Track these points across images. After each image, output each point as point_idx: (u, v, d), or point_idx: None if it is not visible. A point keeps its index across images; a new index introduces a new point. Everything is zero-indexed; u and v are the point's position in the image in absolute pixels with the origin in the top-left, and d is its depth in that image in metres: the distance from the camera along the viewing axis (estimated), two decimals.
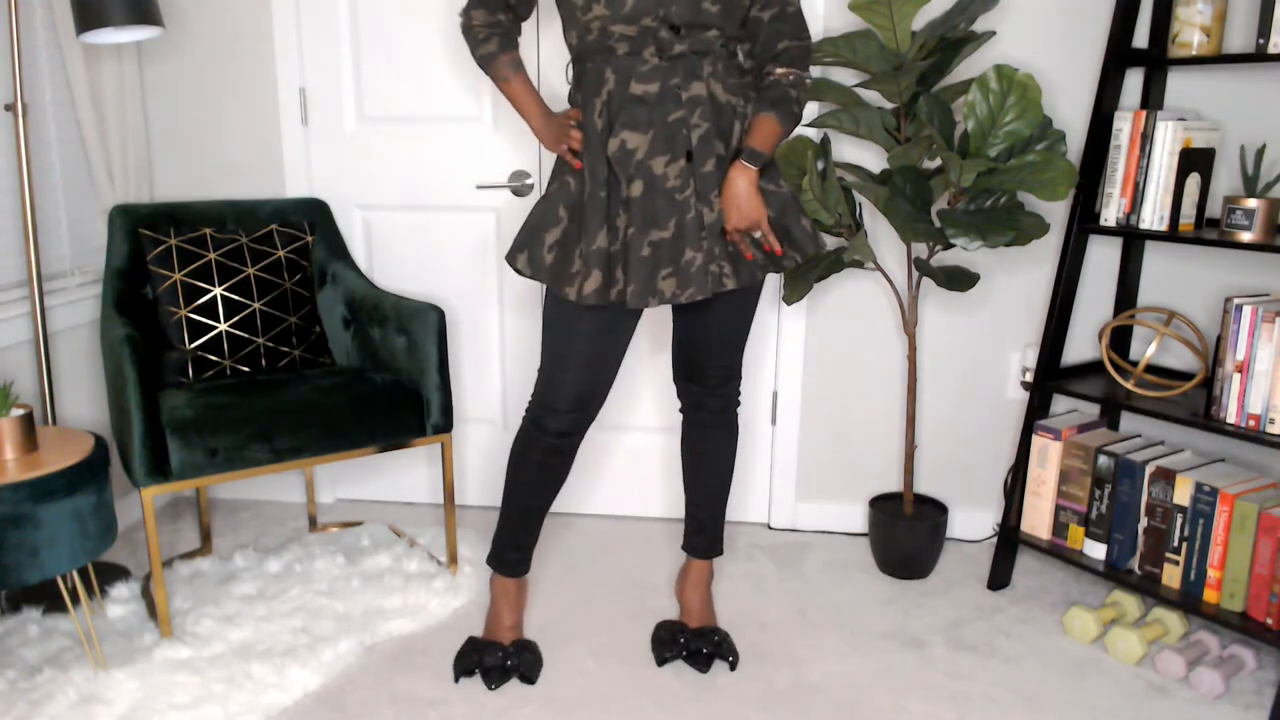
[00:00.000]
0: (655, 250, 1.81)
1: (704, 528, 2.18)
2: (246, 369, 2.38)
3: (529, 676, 2.05)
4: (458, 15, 2.60)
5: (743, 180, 1.82)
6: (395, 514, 2.90)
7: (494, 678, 2.04)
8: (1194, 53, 2.12)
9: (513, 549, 2.10)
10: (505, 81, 1.94)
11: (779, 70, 1.88)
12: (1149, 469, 2.18)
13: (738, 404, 2.14)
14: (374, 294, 2.51)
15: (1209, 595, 2.09)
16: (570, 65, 1.97)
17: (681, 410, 2.17)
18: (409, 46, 2.67)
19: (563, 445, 2.00)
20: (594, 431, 2.84)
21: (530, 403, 2.02)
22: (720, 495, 2.18)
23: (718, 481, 2.16)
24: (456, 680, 2.05)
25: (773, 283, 2.68)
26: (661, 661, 2.11)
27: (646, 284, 1.81)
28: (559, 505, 2.91)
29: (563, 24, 1.89)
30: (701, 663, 2.10)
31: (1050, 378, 2.37)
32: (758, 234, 1.85)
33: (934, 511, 2.56)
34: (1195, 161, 2.14)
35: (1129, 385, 2.23)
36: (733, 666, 2.10)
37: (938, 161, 2.35)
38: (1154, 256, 2.45)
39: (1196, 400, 2.19)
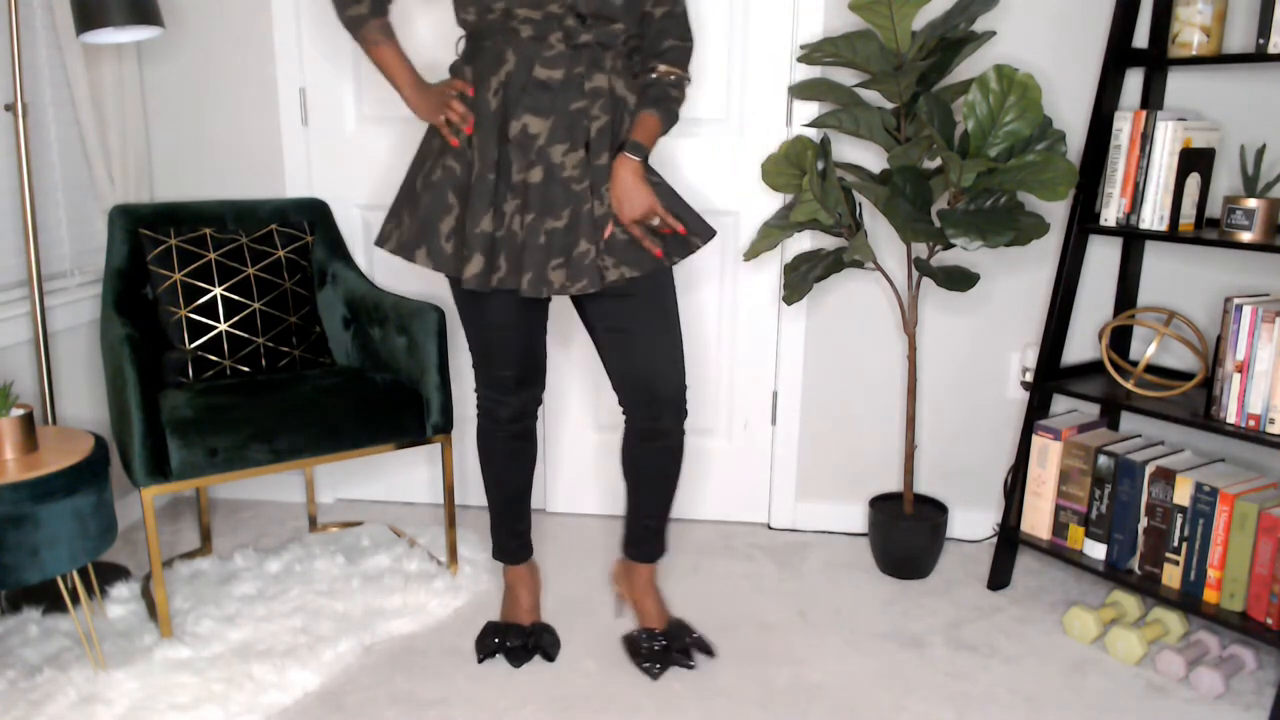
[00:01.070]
0: (549, 239, 1.82)
1: (655, 534, 2.17)
2: (246, 369, 2.38)
3: (550, 654, 2.11)
4: None
5: (628, 171, 1.85)
6: (395, 514, 2.90)
7: (517, 657, 2.09)
8: (1194, 53, 2.12)
9: (510, 537, 2.18)
10: (375, 45, 1.89)
11: (661, 68, 1.92)
12: (1149, 469, 2.18)
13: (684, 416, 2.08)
14: (374, 294, 2.51)
15: (1209, 595, 2.09)
16: (463, 39, 1.92)
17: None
18: (409, 46, 2.67)
19: (519, 429, 2.08)
20: (591, 431, 2.84)
21: (476, 397, 2.08)
22: (664, 500, 2.15)
23: (665, 489, 2.14)
24: (480, 661, 2.10)
25: (772, 282, 2.68)
26: (657, 675, 2.07)
27: (539, 272, 1.82)
28: (557, 505, 2.91)
29: (452, 2, 1.86)
30: (690, 657, 2.11)
31: (1050, 378, 2.37)
32: (655, 221, 1.88)
33: (934, 511, 2.56)
34: (1195, 161, 2.14)
35: (1129, 385, 2.23)
36: (711, 654, 2.14)
37: (938, 161, 2.35)
38: (1154, 256, 2.45)
39: (1196, 400, 2.19)
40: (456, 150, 1.87)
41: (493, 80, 1.81)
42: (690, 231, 1.95)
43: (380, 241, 1.97)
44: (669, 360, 2.00)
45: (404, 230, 1.92)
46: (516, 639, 2.12)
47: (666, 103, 1.92)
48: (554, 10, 1.77)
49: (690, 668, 2.09)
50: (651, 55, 1.93)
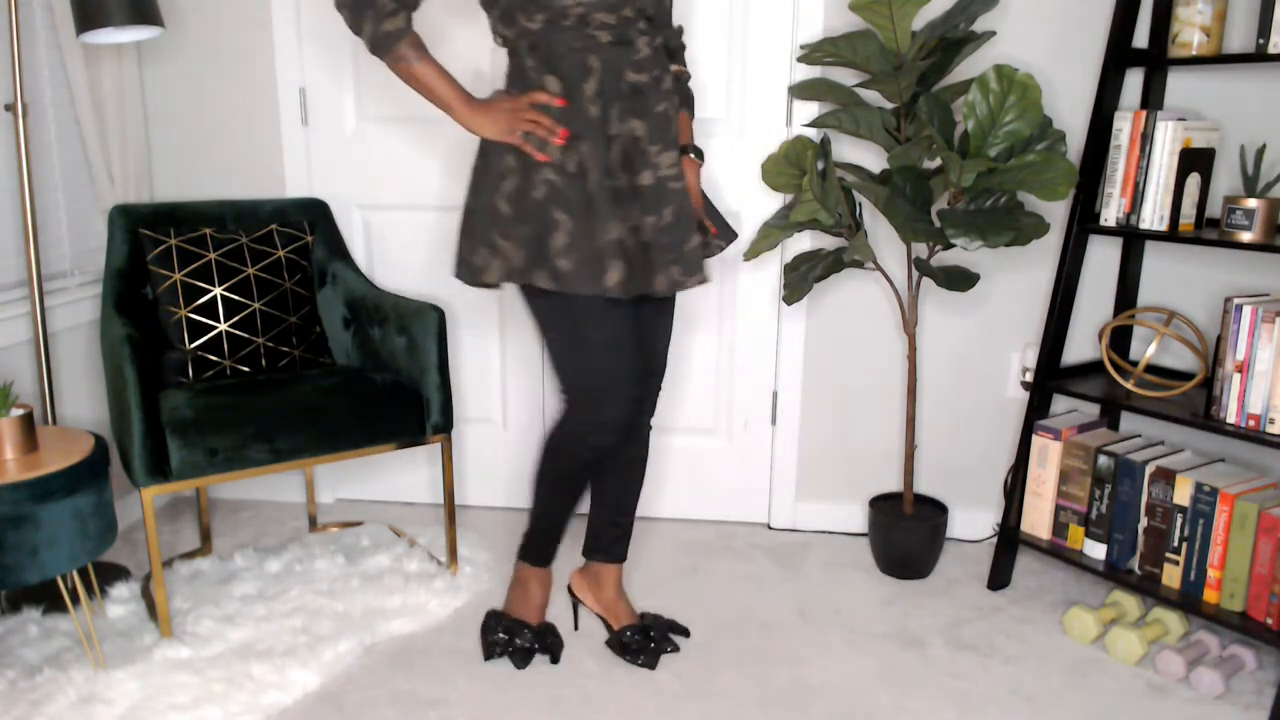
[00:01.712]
0: (657, 237, 1.82)
1: (628, 533, 2.17)
2: (246, 369, 2.38)
3: (556, 656, 2.11)
4: None
5: (695, 173, 1.94)
6: (395, 514, 2.90)
7: (523, 658, 2.09)
8: (1194, 53, 2.12)
9: (553, 544, 2.12)
10: (416, 62, 1.76)
11: (675, 68, 1.95)
12: (1149, 469, 2.18)
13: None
14: (374, 294, 2.51)
15: (1209, 595, 2.09)
16: (526, 49, 1.78)
17: None
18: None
19: (606, 454, 1.94)
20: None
21: (568, 424, 1.90)
22: (637, 498, 2.17)
23: (639, 487, 2.17)
24: (487, 659, 2.10)
25: (772, 282, 2.68)
26: (655, 666, 2.10)
27: (667, 271, 1.82)
28: None
29: (508, 6, 1.75)
30: (671, 641, 2.15)
31: (1050, 378, 2.37)
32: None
33: (934, 511, 2.56)
34: (1195, 161, 2.14)
35: (1129, 385, 2.23)
36: (686, 634, 2.21)
37: (938, 161, 2.35)
38: (1154, 256, 2.45)
39: (1196, 400, 2.19)
40: (550, 164, 1.77)
41: (585, 88, 1.75)
42: (719, 235, 2.01)
43: (472, 277, 1.83)
44: (664, 361, 2.09)
45: (507, 256, 1.79)
46: (525, 639, 2.11)
47: (691, 103, 2.01)
48: (627, 15, 1.74)
49: (676, 649, 2.14)
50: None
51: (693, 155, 1.95)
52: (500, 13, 1.77)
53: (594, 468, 1.98)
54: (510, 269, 1.80)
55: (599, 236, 1.75)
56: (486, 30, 2.60)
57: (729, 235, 2.01)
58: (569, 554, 2.53)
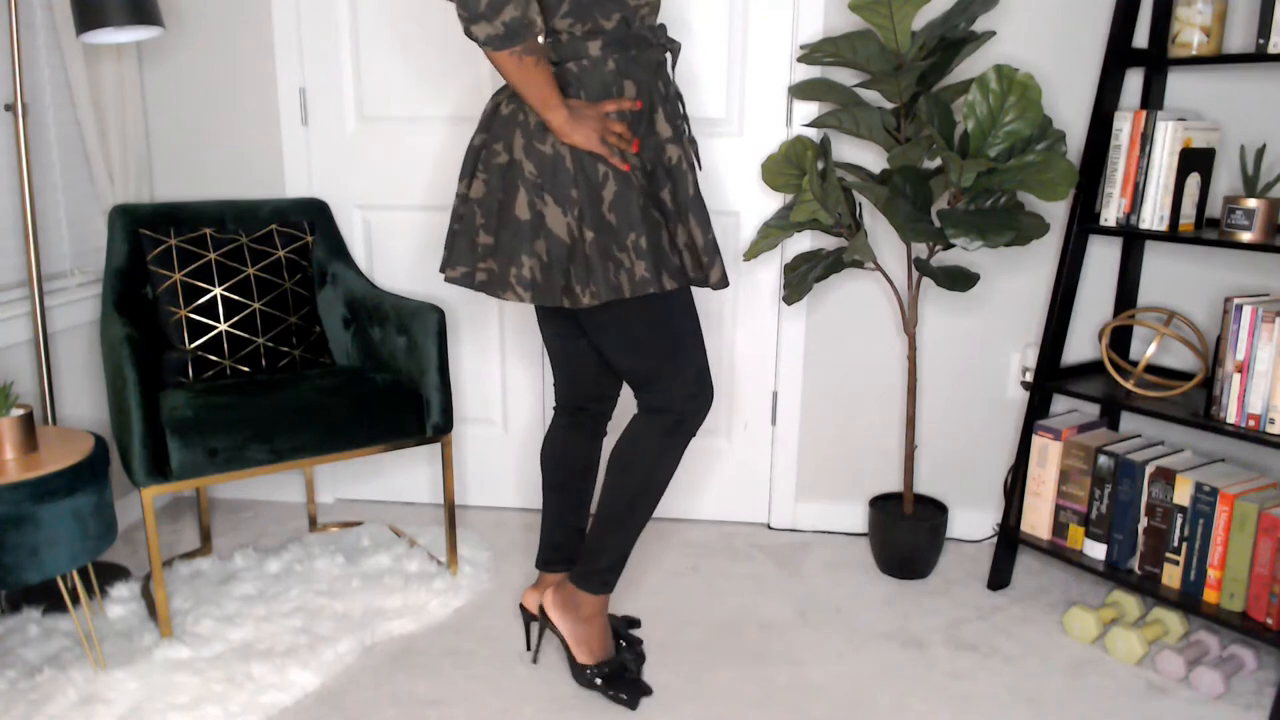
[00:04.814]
0: (702, 236, 1.84)
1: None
2: (246, 369, 2.38)
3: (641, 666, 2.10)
4: None
5: None
6: (395, 514, 2.90)
7: (640, 688, 2.00)
8: (1194, 53, 2.12)
9: (623, 564, 1.99)
10: (532, 58, 1.64)
11: None
12: (1149, 469, 2.18)
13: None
14: (374, 294, 2.51)
15: (1209, 595, 2.09)
16: (601, 49, 1.72)
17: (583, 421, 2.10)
18: (409, 46, 2.67)
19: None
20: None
21: (675, 409, 1.87)
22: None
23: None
24: (635, 708, 1.95)
25: (772, 282, 2.68)
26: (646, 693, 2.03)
27: (720, 270, 1.84)
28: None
29: (583, 1, 1.68)
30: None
31: (1050, 378, 2.37)
32: None
33: (934, 511, 2.56)
34: (1195, 161, 2.14)
35: (1129, 385, 2.23)
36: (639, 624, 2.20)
37: (938, 161, 2.35)
38: (1154, 256, 2.45)
39: (1196, 400, 2.19)
40: (632, 171, 1.74)
41: (651, 94, 1.77)
42: None
43: (610, 294, 1.72)
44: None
45: (629, 268, 1.73)
46: (632, 663, 2.05)
47: None
48: (660, 21, 1.78)
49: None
50: None
51: None
52: (572, 6, 1.68)
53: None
54: (638, 280, 1.73)
55: (702, 235, 1.81)
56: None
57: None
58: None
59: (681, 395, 1.87)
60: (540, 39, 1.69)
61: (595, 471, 2.12)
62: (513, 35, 1.59)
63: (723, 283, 1.84)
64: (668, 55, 1.85)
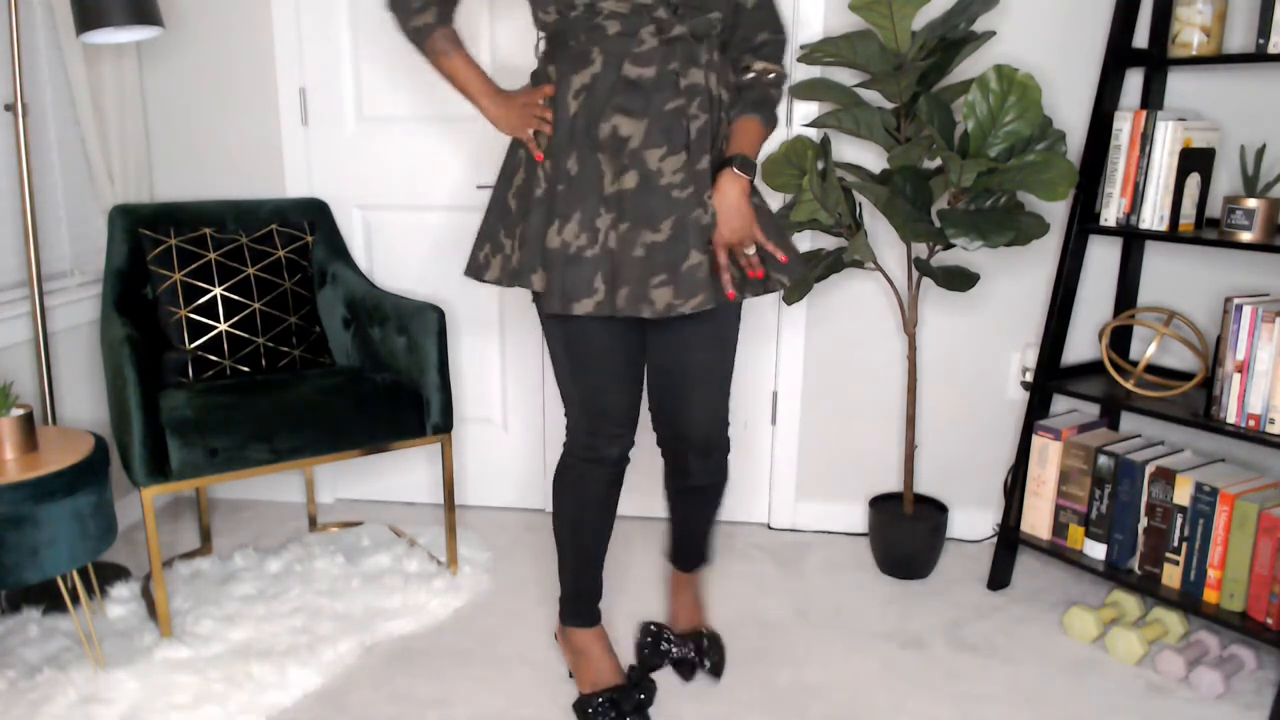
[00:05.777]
0: (649, 253, 1.63)
1: (694, 547, 2.09)
2: (246, 369, 2.38)
3: (651, 698, 1.94)
4: None
5: (735, 190, 1.66)
6: (395, 514, 2.90)
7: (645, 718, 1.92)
8: (1194, 53, 2.12)
9: (590, 598, 1.97)
10: (443, 56, 1.74)
11: (758, 66, 1.74)
12: (1149, 469, 2.18)
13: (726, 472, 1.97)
14: (374, 294, 2.51)
15: (1209, 595, 2.09)
16: (542, 40, 1.73)
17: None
18: (409, 46, 2.66)
19: (619, 471, 1.85)
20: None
21: (572, 445, 1.83)
22: (712, 522, 2.06)
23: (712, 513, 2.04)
24: None
25: None
26: (651, 669, 2.04)
27: (638, 289, 1.63)
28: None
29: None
30: (685, 669, 2.06)
31: (1050, 378, 2.37)
32: (750, 250, 1.69)
33: (934, 511, 2.56)
34: (1195, 161, 2.14)
35: (1129, 385, 2.23)
36: (714, 671, 2.04)
37: (938, 161, 2.35)
38: (1154, 256, 2.45)
39: (1196, 400, 2.19)
40: (543, 162, 1.69)
41: (575, 81, 1.64)
42: (779, 270, 1.76)
43: (478, 272, 1.76)
44: (705, 375, 1.85)
45: (510, 256, 1.72)
46: (630, 700, 1.90)
47: (769, 105, 1.75)
48: (643, 1, 1.59)
49: (686, 679, 2.06)
50: (746, 50, 1.75)
51: (735, 168, 1.66)
52: (531, 5, 1.71)
53: (609, 489, 1.85)
54: (509, 271, 1.72)
55: (546, 240, 1.66)
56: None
57: (794, 273, 1.76)
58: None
59: (573, 430, 1.82)
60: (445, 39, 1.75)
61: (694, 495, 2.01)
62: (414, 37, 1.75)
63: (631, 308, 1.63)
64: (648, 42, 1.72)
